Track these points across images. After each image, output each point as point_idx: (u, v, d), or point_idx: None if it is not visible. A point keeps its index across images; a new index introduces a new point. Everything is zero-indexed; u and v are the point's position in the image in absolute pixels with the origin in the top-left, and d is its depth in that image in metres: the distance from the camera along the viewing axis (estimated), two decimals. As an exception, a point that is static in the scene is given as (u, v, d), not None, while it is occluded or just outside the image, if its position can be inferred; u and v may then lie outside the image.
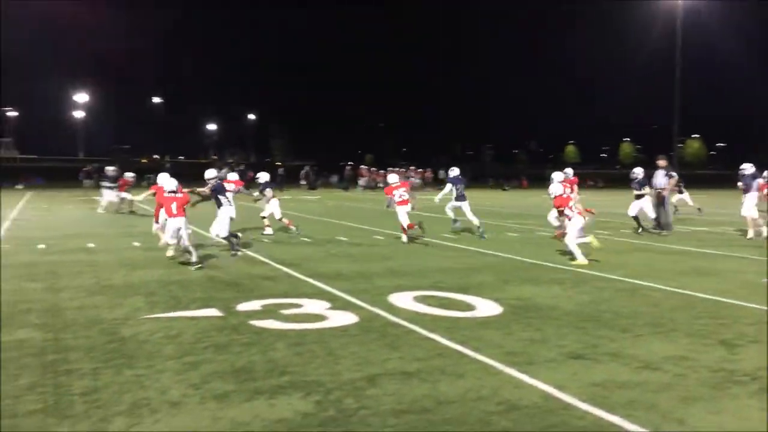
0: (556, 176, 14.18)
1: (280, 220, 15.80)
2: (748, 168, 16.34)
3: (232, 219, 12.30)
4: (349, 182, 50.43)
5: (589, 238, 11.57)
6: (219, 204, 12.16)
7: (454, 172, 16.33)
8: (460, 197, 15.73)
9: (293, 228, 15.68)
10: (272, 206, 15.86)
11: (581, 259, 11.29)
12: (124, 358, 5.76)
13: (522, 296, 8.57)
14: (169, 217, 10.90)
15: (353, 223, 19.54)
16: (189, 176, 24.84)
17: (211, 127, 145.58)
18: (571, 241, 11.50)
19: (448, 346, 6.23)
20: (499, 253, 12.75)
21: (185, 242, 10.91)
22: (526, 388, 5.07)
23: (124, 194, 22.48)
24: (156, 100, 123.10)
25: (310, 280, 9.67)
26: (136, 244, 13.89)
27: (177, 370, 5.44)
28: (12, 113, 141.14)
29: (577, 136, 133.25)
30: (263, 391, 4.97)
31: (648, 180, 16.93)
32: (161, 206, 11.69)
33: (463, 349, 6.14)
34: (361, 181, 49.14)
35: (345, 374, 5.39)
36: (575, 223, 11.55)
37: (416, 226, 14.31)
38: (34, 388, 4.96)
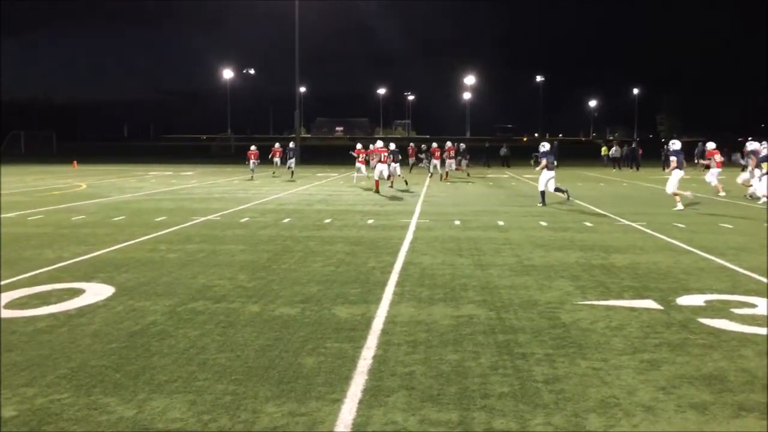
0: None
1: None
2: None
3: None
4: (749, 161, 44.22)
5: None
6: None
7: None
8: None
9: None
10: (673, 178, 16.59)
11: None
12: (574, 346, 5.55)
13: None
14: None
15: (778, 208, 16.99)
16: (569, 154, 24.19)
17: (592, 103, 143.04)
18: None
19: None
20: None
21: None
22: None
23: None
24: (539, 78, 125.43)
25: (753, 275, 8.45)
26: (543, 223, 13.94)
27: (636, 368, 5.03)
28: (410, 97, 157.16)
29: None
30: (749, 407, 4.27)
31: None
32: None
33: None
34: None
35: None
36: None
37: None
38: (496, 368, 5.02)
